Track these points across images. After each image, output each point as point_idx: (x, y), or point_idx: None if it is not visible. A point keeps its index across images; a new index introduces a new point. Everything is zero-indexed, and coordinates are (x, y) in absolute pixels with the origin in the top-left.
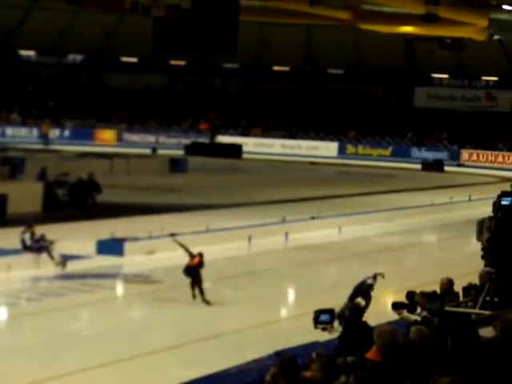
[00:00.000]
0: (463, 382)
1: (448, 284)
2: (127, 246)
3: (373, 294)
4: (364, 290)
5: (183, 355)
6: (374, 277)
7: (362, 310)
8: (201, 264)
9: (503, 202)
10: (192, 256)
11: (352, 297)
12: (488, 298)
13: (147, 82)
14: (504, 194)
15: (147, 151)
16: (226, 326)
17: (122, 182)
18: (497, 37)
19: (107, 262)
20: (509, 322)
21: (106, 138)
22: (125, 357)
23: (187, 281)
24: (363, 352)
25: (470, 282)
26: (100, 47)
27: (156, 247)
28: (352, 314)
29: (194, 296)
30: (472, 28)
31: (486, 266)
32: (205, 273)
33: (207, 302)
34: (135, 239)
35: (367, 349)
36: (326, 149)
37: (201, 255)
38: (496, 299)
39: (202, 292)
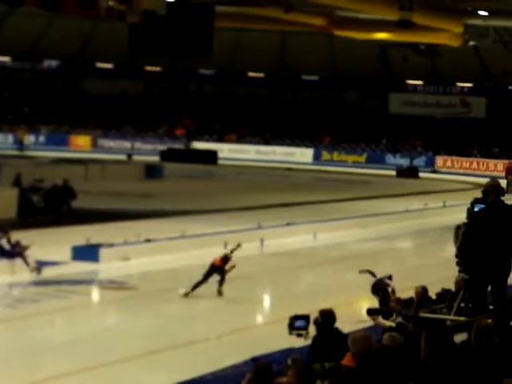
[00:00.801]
0: None
1: (422, 292)
2: (102, 252)
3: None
4: (382, 288)
5: (158, 362)
6: (390, 277)
7: (333, 316)
8: (225, 260)
9: (476, 209)
10: (225, 256)
11: (376, 295)
12: (463, 305)
13: (122, 88)
14: (476, 201)
15: (122, 157)
16: (201, 332)
17: (97, 188)
18: (472, 43)
19: (82, 268)
20: (483, 327)
21: (81, 144)
22: (99, 363)
23: (162, 286)
24: (335, 358)
25: (443, 288)
26: (75, 53)
27: (131, 253)
28: (324, 319)
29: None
30: (447, 34)
31: (460, 272)
32: (179, 278)
33: (220, 293)
34: (110, 245)
35: (339, 355)
36: (302, 155)
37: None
38: (470, 305)
39: (221, 283)
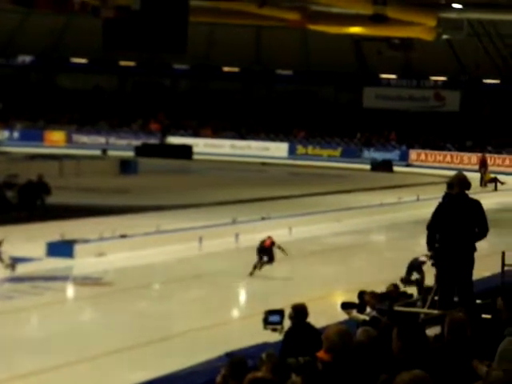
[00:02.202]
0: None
1: (394, 290)
2: (77, 248)
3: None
4: (417, 265)
5: (133, 358)
6: (427, 255)
7: (306, 311)
8: (273, 243)
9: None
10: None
11: (408, 272)
12: (436, 298)
13: (97, 83)
14: (447, 195)
15: (97, 152)
16: (176, 328)
17: (72, 183)
18: (445, 36)
19: (57, 264)
20: (456, 321)
21: (56, 140)
22: (74, 360)
23: (138, 282)
24: (308, 353)
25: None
26: (49, 48)
27: (106, 249)
28: (296, 314)
29: (259, 268)
30: (420, 28)
31: (432, 265)
32: (155, 274)
33: (251, 274)
34: (85, 241)
35: (312, 350)
36: (276, 149)
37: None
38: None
39: (256, 266)
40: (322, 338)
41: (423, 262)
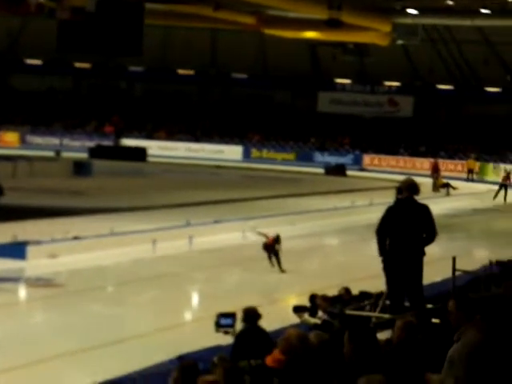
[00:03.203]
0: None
1: (346, 293)
2: (30, 249)
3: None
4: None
5: (85, 360)
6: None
7: (257, 314)
8: (277, 240)
9: None
10: (267, 238)
11: None
12: (388, 302)
13: (51, 84)
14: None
15: (51, 154)
16: (129, 330)
17: (26, 184)
18: (400, 42)
19: (9, 265)
20: (406, 325)
21: (9, 141)
22: (25, 362)
23: (91, 284)
24: (258, 356)
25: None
26: (4, 49)
27: (59, 251)
28: (247, 317)
29: (272, 265)
30: (375, 33)
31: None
32: (108, 276)
33: (283, 271)
34: (38, 242)
35: (262, 353)
36: (231, 152)
37: (278, 237)
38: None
39: (279, 262)
40: (280, 340)
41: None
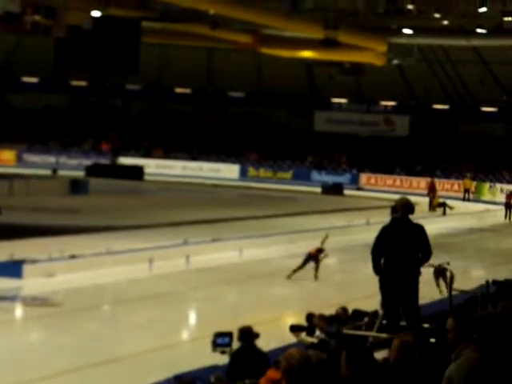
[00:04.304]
0: None
1: (343, 313)
2: (26, 268)
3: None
4: (441, 272)
5: (80, 380)
6: (447, 263)
7: (252, 333)
8: (321, 251)
9: None
10: (317, 248)
11: (436, 278)
12: (384, 322)
13: (48, 102)
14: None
15: (47, 172)
16: (125, 350)
17: (22, 203)
18: (396, 61)
19: (5, 284)
20: (403, 344)
21: (6, 159)
22: (21, 381)
23: (87, 303)
24: (254, 376)
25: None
26: (0, 67)
27: (56, 269)
28: (242, 336)
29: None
30: (371, 53)
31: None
32: (104, 295)
33: (316, 278)
34: (34, 261)
35: (258, 373)
36: (228, 171)
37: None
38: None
39: (316, 270)
40: (281, 359)
41: (446, 269)
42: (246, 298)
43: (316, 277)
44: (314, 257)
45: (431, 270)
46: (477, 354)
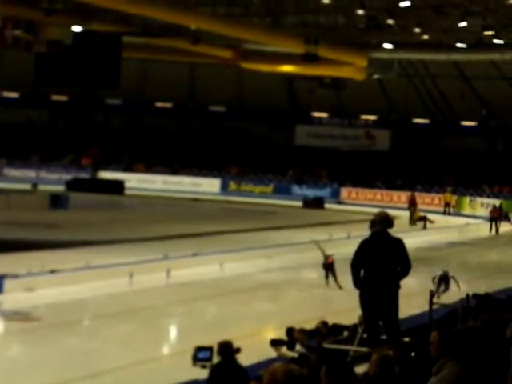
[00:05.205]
0: None
1: (324, 327)
2: (6, 282)
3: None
4: (445, 279)
5: None
6: (452, 276)
7: (231, 347)
8: (333, 261)
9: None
10: (326, 257)
11: (438, 285)
12: (365, 336)
13: (29, 117)
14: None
15: (28, 187)
16: (105, 364)
17: (2, 217)
18: (376, 76)
19: None
20: (383, 358)
21: None
22: None
23: (67, 318)
24: None
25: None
26: None
27: (36, 284)
28: (222, 351)
29: (327, 283)
30: (352, 68)
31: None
32: (85, 310)
33: (340, 287)
34: (15, 276)
35: None
36: (209, 185)
37: (331, 256)
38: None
39: (336, 280)
40: (265, 373)
41: (451, 277)
42: (226, 313)
43: (339, 287)
44: (330, 266)
45: (413, 282)
46: (458, 367)
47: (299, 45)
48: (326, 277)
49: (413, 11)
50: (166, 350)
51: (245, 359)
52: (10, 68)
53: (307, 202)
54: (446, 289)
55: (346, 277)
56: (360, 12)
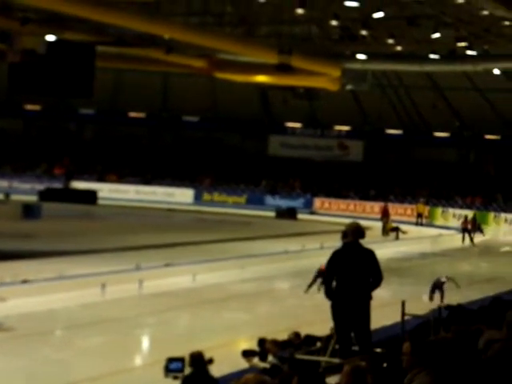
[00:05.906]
0: None
1: (296, 338)
2: None
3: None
4: (439, 285)
5: None
6: (446, 277)
7: (203, 358)
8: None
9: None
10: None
11: (432, 291)
12: (337, 347)
13: (1, 127)
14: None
15: (0, 196)
16: (77, 375)
17: None
18: (350, 87)
19: None
20: (355, 369)
21: None
22: None
23: (39, 328)
24: None
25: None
26: None
27: (8, 294)
28: (193, 362)
29: (319, 289)
30: (325, 78)
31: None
32: (57, 320)
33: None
34: None
35: None
36: (182, 195)
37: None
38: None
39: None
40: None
41: (443, 283)
42: (198, 323)
43: (306, 291)
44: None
45: (385, 293)
46: (429, 378)
47: (273, 55)
48: (310, 285)
49: (386, 22)
50: (138, 360)
51: (217, 370)
52: None
53: (280, 213)
54: (442, 295)
55: (315, 287)
56: (334, 23)
